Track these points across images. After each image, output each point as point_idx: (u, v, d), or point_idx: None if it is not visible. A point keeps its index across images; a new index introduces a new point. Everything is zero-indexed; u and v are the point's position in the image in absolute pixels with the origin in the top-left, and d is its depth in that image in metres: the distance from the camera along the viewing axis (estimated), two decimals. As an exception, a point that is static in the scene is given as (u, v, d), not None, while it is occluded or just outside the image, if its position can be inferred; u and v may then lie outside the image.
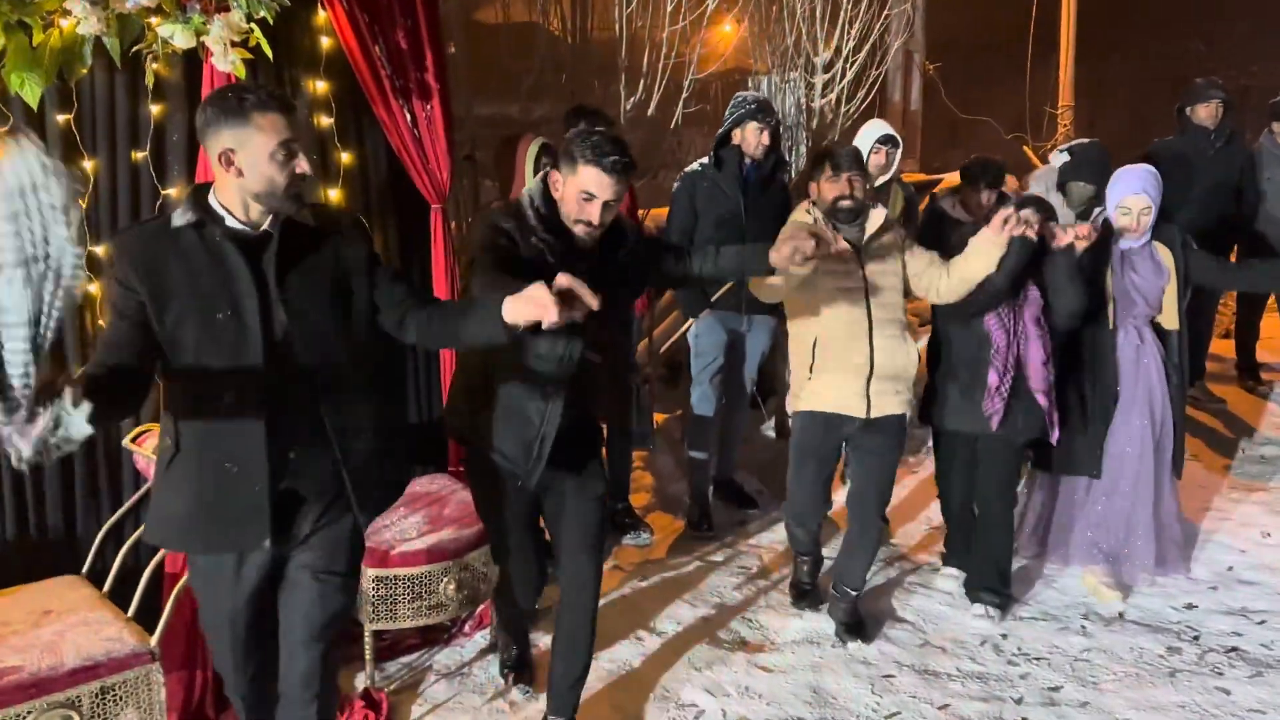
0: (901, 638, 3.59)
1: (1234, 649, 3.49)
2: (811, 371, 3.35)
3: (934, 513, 4.39)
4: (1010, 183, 4.69)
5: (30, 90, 2.63)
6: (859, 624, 3.58)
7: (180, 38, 2.72)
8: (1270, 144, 5.48)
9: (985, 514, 3.72)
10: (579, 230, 2.53)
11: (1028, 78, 11.38)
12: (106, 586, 2.83)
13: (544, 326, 2.03)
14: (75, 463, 3.03)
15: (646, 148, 5.23)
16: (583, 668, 2.85)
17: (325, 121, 3.33)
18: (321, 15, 3.23)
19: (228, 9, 2.74)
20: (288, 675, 2.29)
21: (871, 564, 3.61)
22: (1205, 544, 4.21)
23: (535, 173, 3.67)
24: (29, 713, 2.39)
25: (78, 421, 1.63)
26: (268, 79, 3.17)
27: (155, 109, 3.00)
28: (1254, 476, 4.95)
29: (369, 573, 3.06)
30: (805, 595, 3.72)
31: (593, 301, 2.06)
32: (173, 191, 3.06)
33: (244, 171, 2.01)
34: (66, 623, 2.61)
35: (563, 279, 2.04)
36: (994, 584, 3.71)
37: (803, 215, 3.39)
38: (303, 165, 2.05)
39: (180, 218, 2.05)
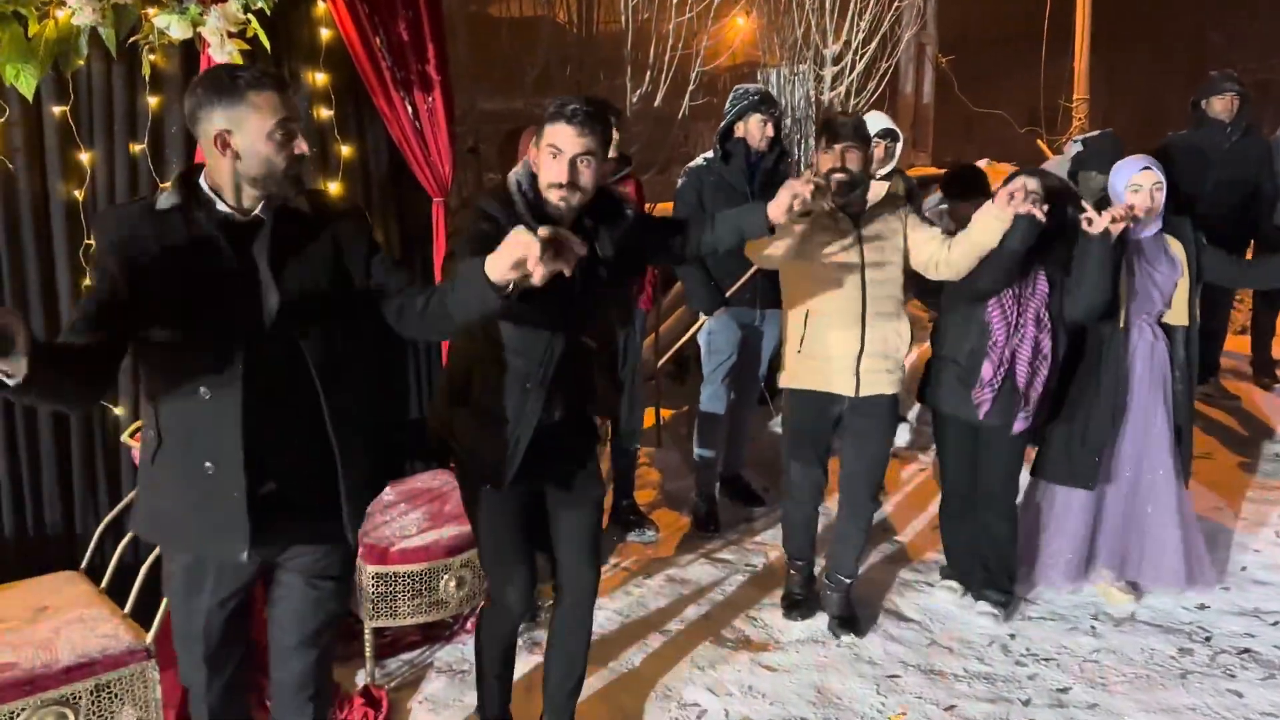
0: (907, 637, 3.54)
1: (1246, 650, 3.43)
2: (802, 346, 3.31)
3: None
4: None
5: (25, 81, 2.61)
6: (852, 617, 3.54)
7: (177, 28, 2.69)
8: (1287, 137, 5.41)
9: (988, 506, 3.63)
10: (554, 197, 2.36)
11: (1042, 70, 11.29)
12: (104, 582, 2.82)
13: (533, 277, 1.89)
14: (74, 458, 3.02)
15: (653, 141, 5.18)
16: (578, 678, 2.78)
17: (325, 114, 3.31)
18: (321, 6, 3.21)
19: (225, -1, 2.72)
20: (282, 681, 2.25)
21: (863, 550, 3.57)
22: (1218, 543, 4.14)
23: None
24: (24, 710, 2.37)
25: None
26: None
27: (153, 100, 2.98)
28: (1269, 475, 4.88)
29: (369, 569, 3.04)
30: (798, 605, 3.62)
31: (580, 247, 1.93)
32: (170, 184, 3.04)
33: (241, 154, 1.93)
34: (63, 619, 2.59)
35: (545, 229, 1.90)
36: (999, 581, 3.65)
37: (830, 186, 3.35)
38: (301, 146, 1.97)
39: (166, 200, 1.96)
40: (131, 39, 2.76)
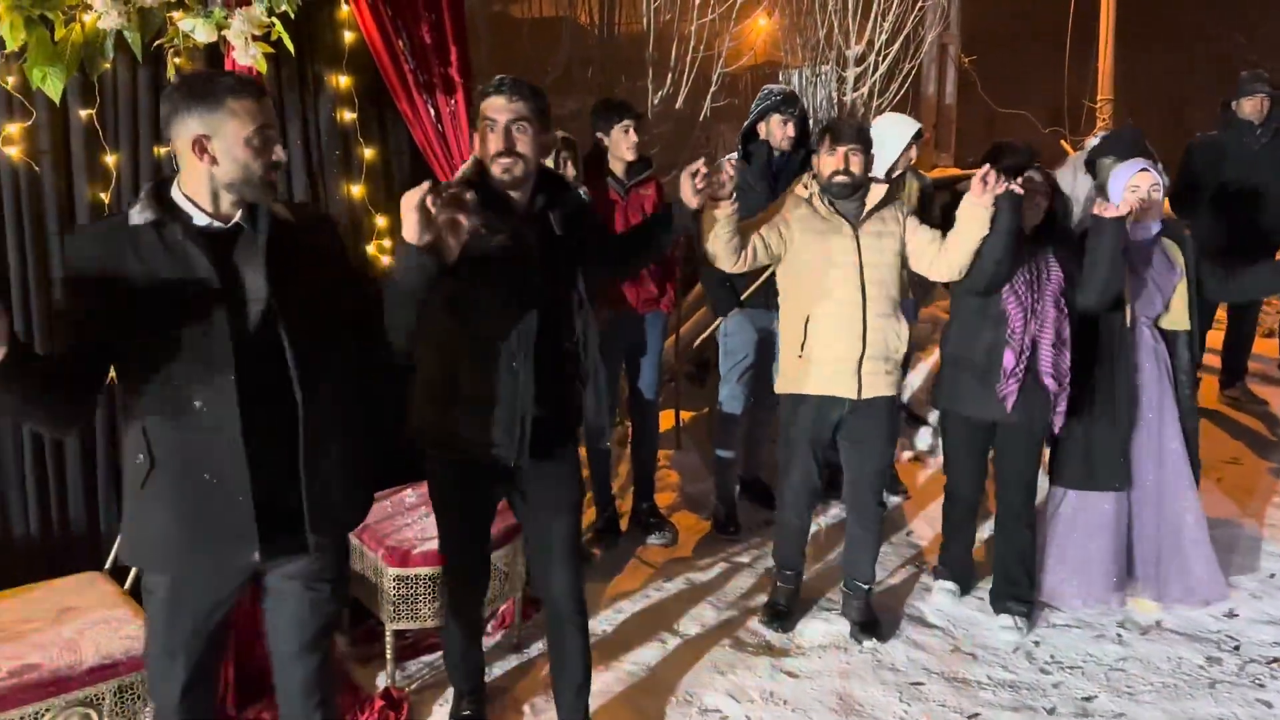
0: (931, 644, 3.51)
1: (1276, 660, 3.38)
2: (803, 350, 3.29)
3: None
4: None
5: (52, 84, 2.62)
6: (874, 622, 3.51)
7: (201, 32, 2.70)
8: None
9: (1005, 509, 3.57)
10: (497, 170, 2.39)
11: (1066, 70, 11.19)
12: (128, 584, 2.83)
13: (432, 210, 1.99)
14: (98, 459, 3.03)
15: (675, 143, 5.17)
16: (583, 676, 2.77)
17: (348, 116, 3.31)
18: (344, 9, 3.22)
19: (249, 3, 2.73)
20: (287, 689, 2.24)
21: (878, 555, 3.55)
22: (1247, 550, 4.09)
23: (555, 166, 3.62)
24: (48, 710, 2.39)
25: None
26: (290, 74, 3.16)
27: (178, 104, 2.98)
28: (1298, 480, 4.82)
29: (391, 572, 3.04)
30: (780, 616, 3.57)
31: (465, 193, 2.05)
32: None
33: (218, 159, 1.91)
34: (87, 620, 2.60)
35: (425, 184, 2.00)
36: (1020, 591, 3.58)
37: (800, 189, 3.35)
38: (279, 152, 1.97)
39: (138, 215, 1.93)
40: (157, 43, 2.77)
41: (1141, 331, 3.58)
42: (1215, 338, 5.88)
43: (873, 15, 5.46)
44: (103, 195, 2.91)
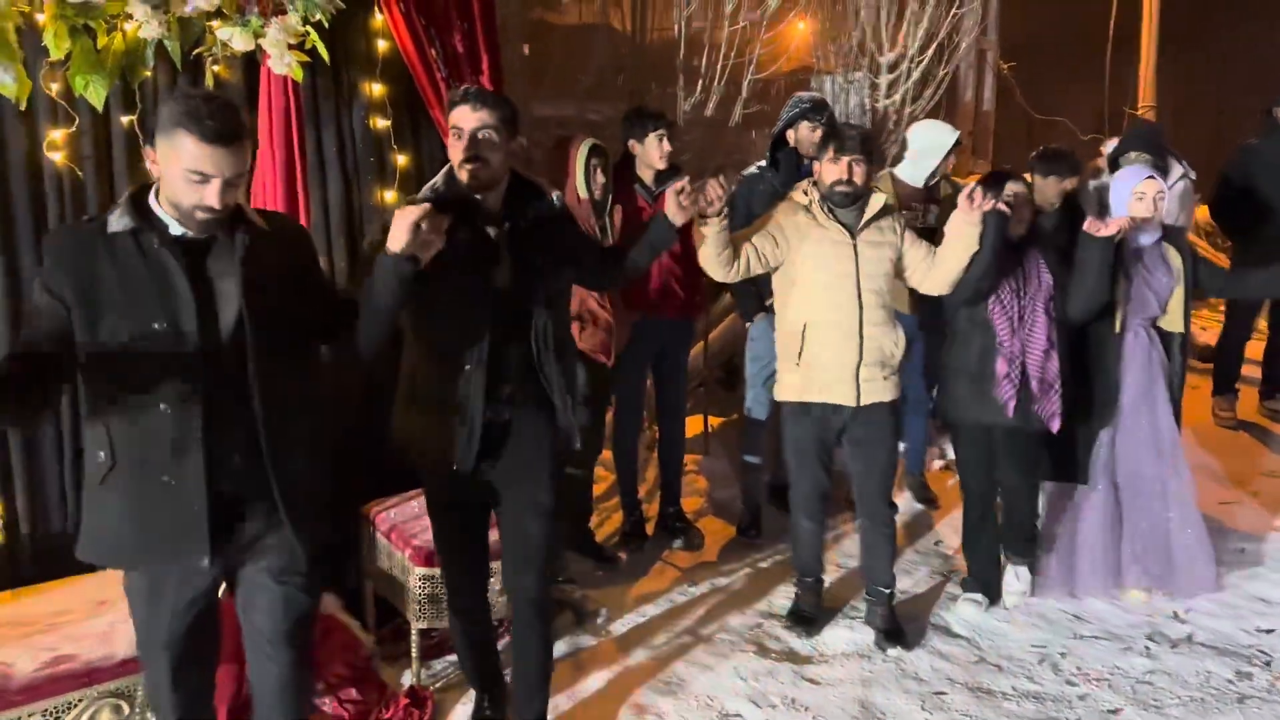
0: (955, 653, 3.49)
1: (1309, 677, 3.33)
2: (800, 358, 3.30)
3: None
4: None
5: (95, 92, 2.70)
6: (897, 630, 3.51)
7: (239, 40, 2.77)
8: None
9: (1009, 493, 3.70)
10: (464, 176, 2.43)
11: (1106, 76, 11.06)
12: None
13: (425, 227, 2.11)
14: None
15: (705, 150, 5.19)
16: (540, 678, 2.76)
17: (382, 124, 3.37)
18: (379, 18, 3.27)
19: (284, 12, 2.78)
20: (260, 684, 2.24)
21: (895, 558, 3.57)
22: (1282, 565, 4.03)
23: (585, 174, 3.66)
24: (81, 700, 2.46)
25: None
26: (326, 82, 3.22)
27: (216, 111, 3.05)
28: (1338, 495, 4.73)
29: (417, 571, 3.08)
30: (804, 621, 3.60)
31: (437, 216, 2.15)
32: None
33: (163, 176, 1.97)
34: (121, 613, 2.64)
35: (425, 207, 2.13)
36: (1022, 548, 3.76)
37: (800, 196, 3.36)
38: (210, 198, 1.94)
39: (116, 223, 1.98)
40: (196, 51, 2.84)
41: (1136, 335, 3.65)
42: (1255, 348, 5.79)
43: (905, 22, 5.44)
44: (143, 199, 2.98)
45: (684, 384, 4.37)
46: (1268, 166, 5.19)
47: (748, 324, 4.31)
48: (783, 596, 3.84)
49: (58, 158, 2.85)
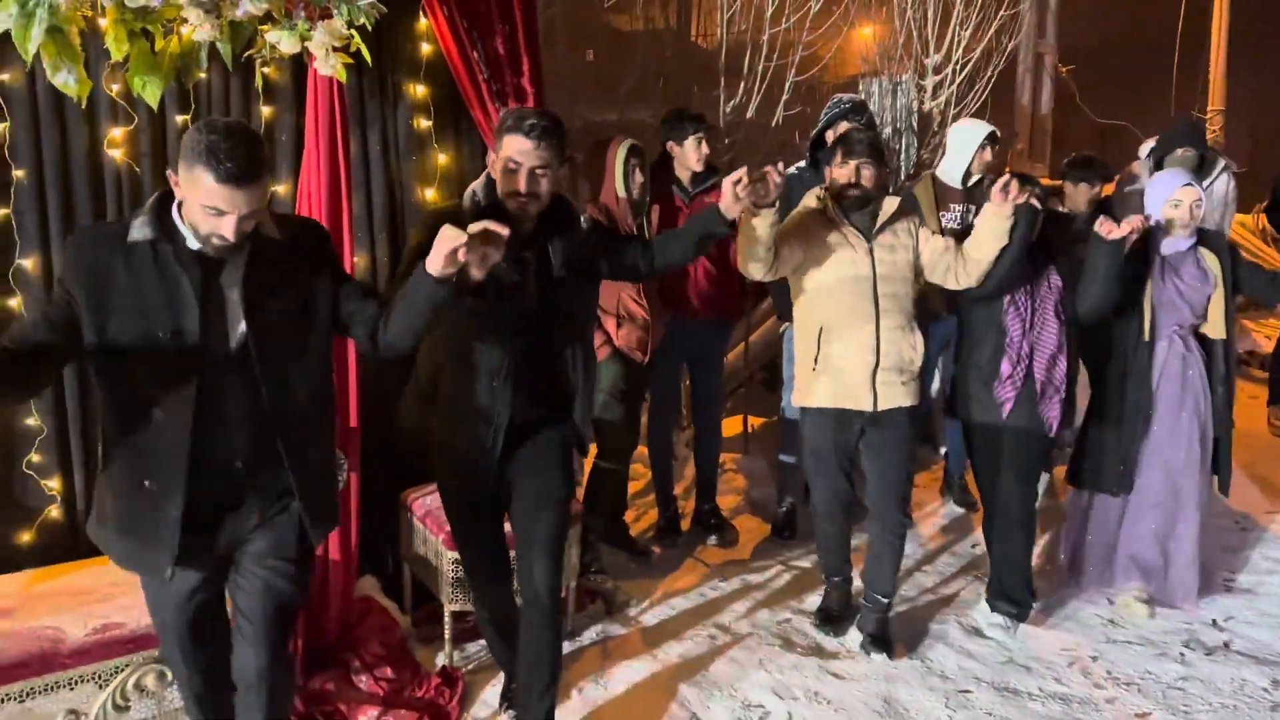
0: (983, 653, 3.49)
1: (1349, 687, 3.26)
2: (816, 363, 3.29)
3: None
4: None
5: (151, 92, 2.84)
6: (886, 638, 3.46)
7: (286, 43, 2.89)
8: None
9: (1005, 511, 3.56)
10: (513, 206, 2.47)
11: (1174, 81, 10.84)
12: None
13: (461, 258, 2.03)
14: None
15: (746, 151, 5.24)
16: (551, 676, 2.75)
17: (424, 124, 3.48)
18: (423, 22, 3.38)
19: (330, 16, 2.90)
20: (241, 670, 2.29)
21: (899, 567, 3.51)
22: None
23: (624, 174, 3.74)
24: (128, 665, 2.59)
25: None
26: (371, 83, 3.34)
27: (265, 110, 3.20)
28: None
29: (449, 555, 3.18)
30: (832, 620, 3.60)
31: (502, 230, 2.06)
32: (280, 188, 3.27)
33: (185, 200, 2.01)
34: (168, 586, 2.81)
35: (474, 225, 2.04)
36: (1014, 591, 3.59)
37: (812, 200, 3.35)
38: (225, 230, 1.98)
39: (138, 231, 2.03)
40: (246, 53, 2.98)
41: (1171, 343, 3.57)
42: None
43: (952, 24, 5.43)
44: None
45: (720, 383, 4.42)
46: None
47: (784, 325, 4.34)
48: (813, 595, 3.87)
49: (117, 154, 3.01)
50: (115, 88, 2.96)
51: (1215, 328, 3.61)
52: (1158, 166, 4.40)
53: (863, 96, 5.02)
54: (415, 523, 3.39)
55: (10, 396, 2.06)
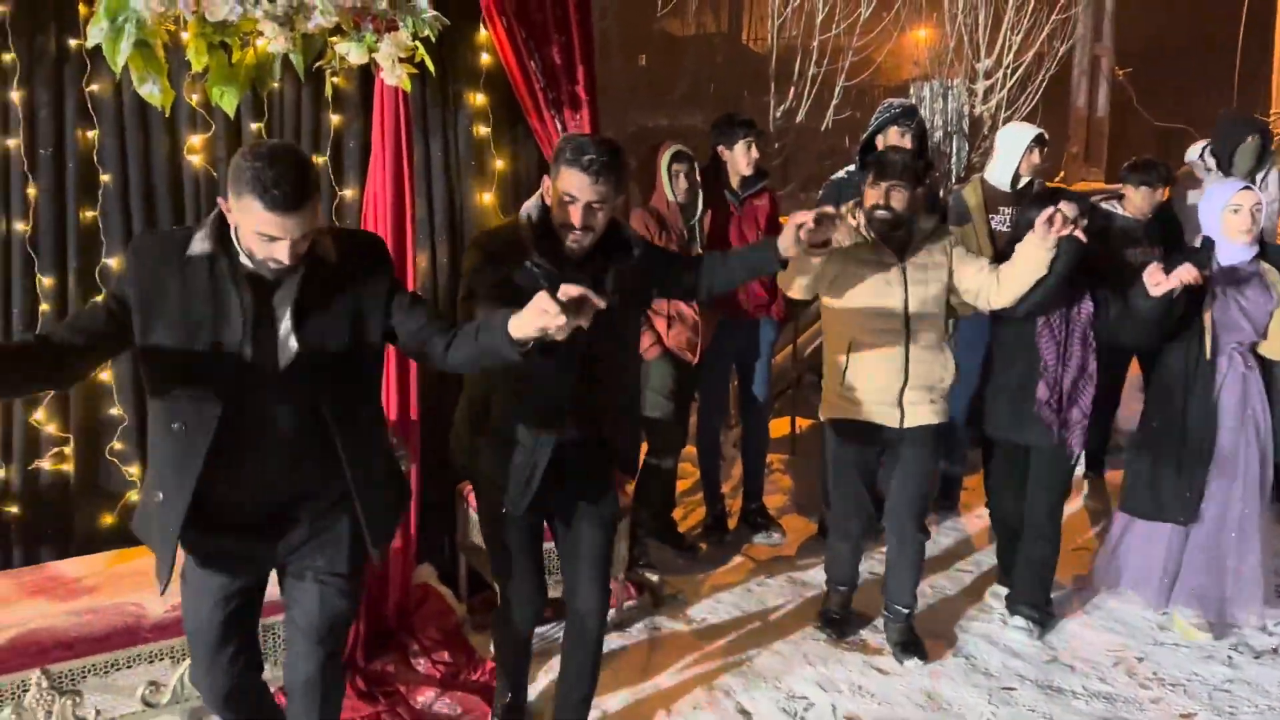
0: (1029, 652, 3.52)
1: (1401, 694, 3.24)
2: (845, 379, 3.29)
3: (1076, 531, 4.28)
4: None
5: (228, 101, 3.00)
6: (916, 642, 3.49)
7: (355, 54, 3.03)
8: None
9: (1032, 526, 3.58)
10: (567, 238, 2.46)
11: (1235, 83, 10.66)
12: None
13: (552, 334, 1.97)
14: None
15: (795, 154, 5.31)
16: (589, 688, 2.80)
17: (483, 131, 3.61)
18: (483, 33, 3.52)
19: (396, 28, 3.04)
20: (292, 682, 2.34)
21: (919, 580, 3.52)
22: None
23: (668, 179, 3.84)
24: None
25: None
26: (433, 92, 3.48)
27: (334, 118, 3.36)
28: None
29: (504, 546, 3.30)
30: (833, 623, 3.62)
31: (599, 301, 2.00)
32: (348, 192, 3.42)
33: (237, 225, 2.03)
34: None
35: (570, 288, 1.97)
36: (1035, 598, 3.62)
37: (850, 219, 3.27)
38: (279, 254, 1.99)
39: (198, 244, 2.05)
40: (317, 64, 3.12)
41: (1227, 361, 3.43)
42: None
43: (1003, 29, 5.45)
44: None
45: (768, 383, 4.49)
46: None
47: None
48: (860, 592, 3.91)
49: (196, 160, 3.19)
50: (195, 97, 3.13)
51: (1274, 348, 3.44)
52: (1223, 159, 4.35)
53: (913, 101, 5.05)
54: (471, 513, 3.51)
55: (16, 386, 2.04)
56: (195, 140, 3.18)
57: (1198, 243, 3.53)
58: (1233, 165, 4.53)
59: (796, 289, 3.18)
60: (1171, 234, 4.49)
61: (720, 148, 4.15)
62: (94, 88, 3.07)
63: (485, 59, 3.54)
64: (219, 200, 2.06)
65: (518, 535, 2.69)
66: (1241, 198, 3.36)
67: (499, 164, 3.66)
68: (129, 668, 2.69)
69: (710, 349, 4.07)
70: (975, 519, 4.64)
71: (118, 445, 3.21)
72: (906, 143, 4.22)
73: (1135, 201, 4.43)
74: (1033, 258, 3.14)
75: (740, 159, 4.10)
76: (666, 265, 2.78)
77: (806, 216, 2.56)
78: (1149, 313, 3.26)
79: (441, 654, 3.26)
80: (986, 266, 3.29)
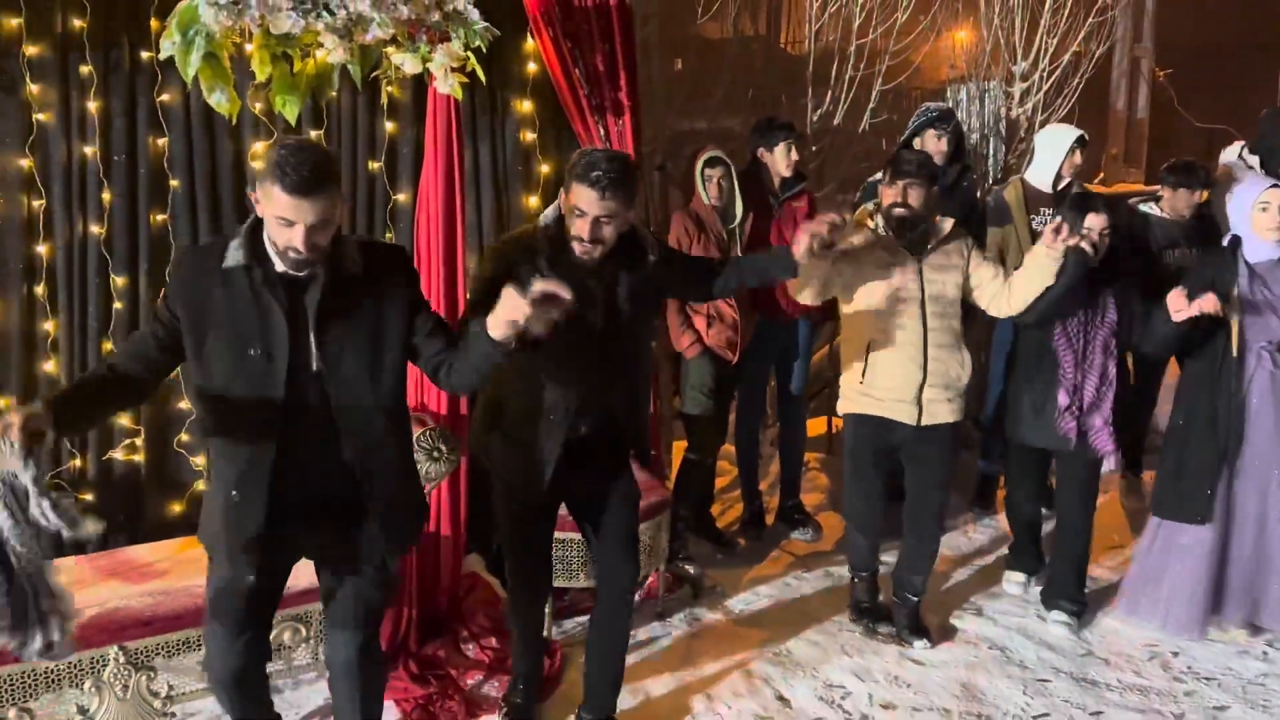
0: (1064, 646, 3.58)
1: None
2: (864, 377, 3.35)
3: (1112, 529, 4.32)
4: None
5: (290, 109, 3.14)
6: (924, 627, 3.59)
7: (409, 64, 3.16)
8: None
9: (1065, 524, 3.66)
10: (577, 249, 2.54)
11: (1280, 83, 10.54)
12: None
13: (524, 325, 2.09)
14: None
15: (833, 157, 5.39)
16: (616, 671, 2.90)
17: (529, 137, 3.75)
18: (530, 43, 3.64)
19: (449, 39, 3.17)
20: (333, 658, 2.48)
21: (931, 571, 3.60)
22: None
23: (702, 184, 3.95)
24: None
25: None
26: (482, 99, 3.62)
27: (389, 126, 3.51)
28: None
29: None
30: (865, 613, 3.68)
31: (565, 293, 2.10)
32: (401, 197, 3.56)
33: (264, 218, 2.13)
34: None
35: (541, 285, 2.10)
36: (1072, 591, 3.70)
37: (866, 219, 3.38)
38: (295, 240, 2.07)
39: (233, 256, 2.16)
40: (374, 74, 3.26)
41: (1255, 358, 3.38)
42: None
43: (1039, 32, 5.49)
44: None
45: (805, 383, 4.57)
46: None
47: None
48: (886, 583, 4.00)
49: (259, 165, 3.35)
50: (258, 106, 3.29)
51: None
52: (1267, 158, 4.38)
53: (949, 105, 5.11)
54: (518, 506, 3.64)
55: (78, 422, 2.18)
56: (258, 147, 3.34)
57: (1226, 241, 3.56)
58: (1276, 157, 4.54)
59: (806, 295, 3.26)
60: (1210, 235, 4.51)
61: (761, 150, 4.23)
62: (164, 97, 3.23)
63: (532, 68, 3.67)
64: (248, 192, 2.20)
65: (527, 528, 2.82)
66: (1271, 195, 3.36)
67: (544, 168, 3.79)
68: (199, 648, 2.83)
69: (749, 349, 4.16)
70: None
71: (185, 437, 3.38)
72: (944, 146, 4.30)
73: (1174, 203, 4.46)
74: (1041, 266, 3.23)
75: (780, 161, 4.19)
76: (684, 271, 2.88)
77: (820, 226, 2.66)
78: (1165, 336, 3.36)
79: (490, 640, 3.39)
80: (1000, 274, 3.37)
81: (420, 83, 3.37)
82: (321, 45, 3.08)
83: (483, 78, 3.31)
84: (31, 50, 3.07)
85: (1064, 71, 5.56)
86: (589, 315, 2.56)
